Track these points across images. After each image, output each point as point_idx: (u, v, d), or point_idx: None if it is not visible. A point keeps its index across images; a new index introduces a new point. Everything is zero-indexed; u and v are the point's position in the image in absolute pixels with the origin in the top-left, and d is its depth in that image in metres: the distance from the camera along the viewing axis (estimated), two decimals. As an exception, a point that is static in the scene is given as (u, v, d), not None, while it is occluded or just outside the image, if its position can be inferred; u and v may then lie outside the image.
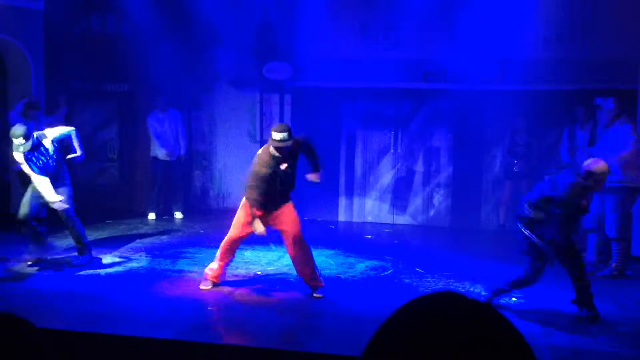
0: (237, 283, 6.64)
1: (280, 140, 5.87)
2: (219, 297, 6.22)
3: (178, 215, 10.32)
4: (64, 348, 4.35)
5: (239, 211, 6.25)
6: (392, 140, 10.52)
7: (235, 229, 6.24)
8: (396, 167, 10.55)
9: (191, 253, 7.80)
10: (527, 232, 5.61)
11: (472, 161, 10.07)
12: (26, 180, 7.29)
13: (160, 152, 10.07)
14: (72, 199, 7.19)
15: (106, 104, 11.07)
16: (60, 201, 6.92)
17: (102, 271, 6.98)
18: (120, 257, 7.62)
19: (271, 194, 5.99)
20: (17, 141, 6.73)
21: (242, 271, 7.06)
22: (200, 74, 10.75)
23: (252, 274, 7.00)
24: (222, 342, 5.15)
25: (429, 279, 6.96)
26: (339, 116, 10.62)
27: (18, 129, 6.80)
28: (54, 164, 7.04)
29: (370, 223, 10.51)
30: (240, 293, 6.33)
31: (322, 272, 7.12)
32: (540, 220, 5.58)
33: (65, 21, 10.39)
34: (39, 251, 7.24)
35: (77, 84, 10.87)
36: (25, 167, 6.88)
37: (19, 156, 6.85)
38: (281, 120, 10.56)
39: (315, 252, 8.00)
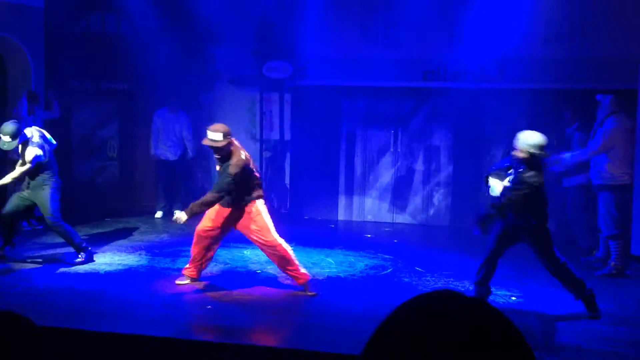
0: (236, 281, 6.64)
1: (210, 139, 6.05)
2: (218, 295, 6.22)
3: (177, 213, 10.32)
4: (64, 346, 4.35)
5: None
6: (391, 139, 10.52)
7: (202, 221, 6.37)
8: (396, 166, 10.55)
9: (190, 252, 7.79)
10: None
11: (472, 160, 10.07)
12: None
13: (160, 151, 10.09)
14: (58, 203, 7.08)
15: (106, 102, 11.07)
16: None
17: (101, 269, 6.98)
18: (119, 255, 7.63)
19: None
20: (5, 138, 6.69)
21: (241, 270, 7.06)
22: (200, 73, 10.75)
23: (251, 272, 7.00)
24: (221, 340, 5.15)
25: (428, 278, 6.96)
26: (338, 115, 10.62)
27: (8, 127, 6.76)
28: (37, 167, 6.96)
29: (370, 222, 10.51)
30: (239, 292, 6.33)
31: (321, 271, 7.13)
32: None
33: (65, 20, 10.39)
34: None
35: (76, 83, 10.87)
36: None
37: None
38: (281, 119, 10.57)
39: (314, 251, 8.03)
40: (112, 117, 11.15)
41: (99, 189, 11.00)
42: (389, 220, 10.53)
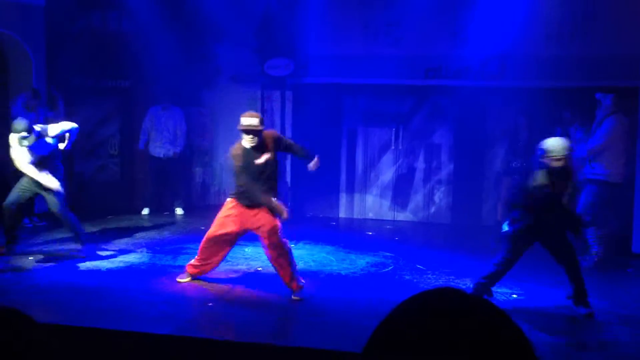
0: (238, 279, 6.65)
1: (248, 125, 5.89)
2: (220, 293, 6.22)
3: (179, 211, 10.36)
4: (65, 343, 4.36)
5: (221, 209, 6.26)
6: (393, 137, 10.52)
7: (213, 227, 6.23)
8: (397, 164, 10.55)
9: (192, 249, 7.78)
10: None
11: (473, 158, 10.07)
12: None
13: (154, 148, 10.15)
14: (64, 193, 7.18)
15: (107, 100, 11.06)
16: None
17: (103, 266, 6.99)
18: (121, 252, 7.63)
19: (246, 191, 5.98)
20: (20, 135, 6.75)
21: (242, 267, 7.07)
22: (202, 70, 10.75)
23: (252, 270, 7.01)
24: (222, 338, 5.16)
25: (429, 276, 6.97)
26: (340, 113, 10.62)
27: (20, 124, 6.83)
28: (49, 157, 7.06)
29: (371, 220, 10.51)
30: (241, 289, 6.34)
31: (323, 268, 7.14)
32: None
33: (67, 17, 10.38)
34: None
35: (77, 80, 10.86)
36: (18, 159, 6.89)
37: (18, 150, 6.87)
38: (282, 116, 10.56)
39: (316, 249, 8.04)
40: (113, 114, 11.15)
41: (100, 186, 11.00)
42: (390, 218, 10.53)
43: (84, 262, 7.10)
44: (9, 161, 8.79)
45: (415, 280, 6.77)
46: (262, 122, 6.02)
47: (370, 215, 10.63)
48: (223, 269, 6.83)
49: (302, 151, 6.38)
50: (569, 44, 9.44)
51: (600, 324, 5.55)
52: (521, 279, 6.68)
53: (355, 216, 10.66)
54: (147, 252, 7.69)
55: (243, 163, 5.95)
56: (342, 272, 7.03)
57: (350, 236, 9.03)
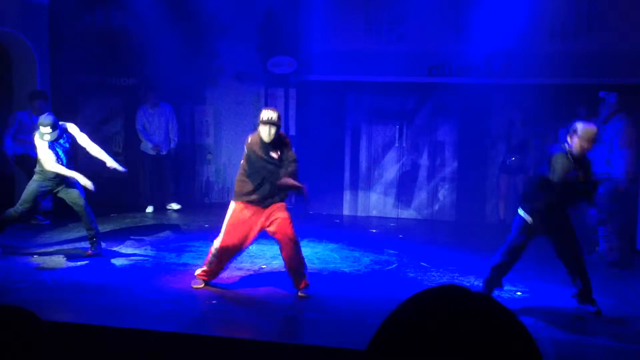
0: (242, 277, 6.65)
1: (270, 118, 5.86)
2: (224, 290, 6.23)
3: (173, 206, 10.38)
4: (69, 341, 4.37)
5: (227, 217, 6.11)
6: (397, 134, 10.51)
7: (225, 236, 6.08)
8: (401, 161, 10.54)
9: (196, 247, 7.81)
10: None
11: (477, 155, 10.06)
12: (30, 170, 7.36)
13: (146, 146, 10.19)
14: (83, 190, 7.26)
15: (111, 97, 11.08)
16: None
17: (107, 264, 7.00)
18: (125, 250, 7.65)
19: (261, 187, 5.96)
20: (45, 130, 6.83)
21: (247, 265, 7.07)
22: (205, 68, 10.76)
23: (257, 268, 7.01)
24: (227, 335, 5.16)
25: (433, 273, 6.96)
26: (343, 110, 10.61)
27: (47, 118, 6.94)
28: (68, 155, 7.15)
29: (375, 217, 10.51)
30: (245, 287, 6.34)
31: (327, 266, 7.14)
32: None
33: (70, 15, 10.40)
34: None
35: (82, 78, 10.89)
36: (46, 159, 6.92)
37: (41, 144, 6.92)
38: (286, 114, 10.56)
39: (320, 246, 8.04)
40: (117, 112, 11.17)
41: (105, 184, 11.01)
42: (394, 215, 10.53)
43: (88, 260, 7.11)
44: (8, 159, 8.82)
45: (419, 278, 6.77)
46: (280, 118, 6.00)
47: (374, 212, 10.63)
48: (226, 267, 6.83)
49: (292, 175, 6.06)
50: (573, 40, 9.42)
51: (604, 321, 5.54)
52: (526, 276, 6.68)
53: (359, 214, 10.66)
54: (151, 250, 7.71)
55: (258, 154, 5.92)
56: (346, 270, 7.03)
57: (354, 234, 9.03)
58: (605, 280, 6.61)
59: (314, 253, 7.68)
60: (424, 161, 10.45)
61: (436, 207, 10.43)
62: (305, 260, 6.19)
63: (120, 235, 8.42)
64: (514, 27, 9.09)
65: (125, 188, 10.93)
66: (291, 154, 6.05)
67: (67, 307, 5.58)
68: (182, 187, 11.15)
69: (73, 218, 7.77)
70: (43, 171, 7.06)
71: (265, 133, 5.91)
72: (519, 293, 6.21)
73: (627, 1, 9.16)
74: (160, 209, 10.36)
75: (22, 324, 1.19)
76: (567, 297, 5.86)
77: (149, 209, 10.26)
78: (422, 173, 10.46)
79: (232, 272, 6.70)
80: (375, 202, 10.66)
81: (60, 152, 7.05)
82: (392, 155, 10.56)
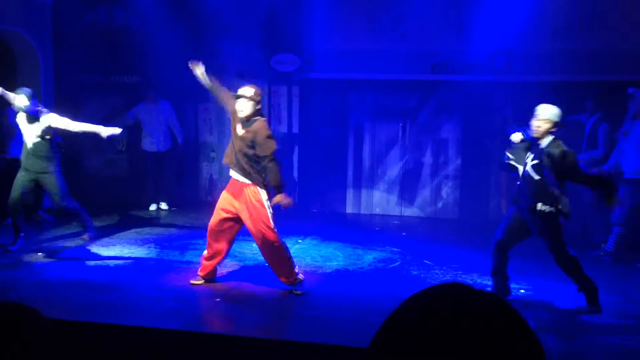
0: (245, 274, 6.65)
1: (240, 95, 5.85)
2: (227, 288, 6.23)
3: (163, 205, 10.40)
4: (72, 338, 4.38)
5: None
6: (400, 132, 10.50)
7: (214, 212, 6.14)
8: (404, 159, 10.53)
9: (199, 244, 7.80)
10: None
11: (481, 153, 10.05)
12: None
13: (147, 144, 10.20)
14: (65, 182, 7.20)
15: (114, 96, 11.09)
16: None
17: (110, 262, 7.01)
18: (128, 248, 7.66)
19: (230, 158, 5.95)
20: (20, 99, 6.89)
21: (250, 262, 7.08)
22: (208, 66, 10.73)
23: (260, 266, 7.01)
24: (229, 333, 5.17)
25: (436, 271, 6.96)
26: (346, 108, 10.61)
27: (23, 89, 7.02)
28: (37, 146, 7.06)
29: (378, 215, 10.51)
30: (248, 284, 6.34)
31: (330, 264, 7.14)
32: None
33: (73, 13, 10.41)
34: (19, 241, 7.28)
35: (85, 76, 10.90)
36: (63, 120, 6.95)
37: (23, 120, 7.00)
38: (289, 112, 10.56)
39: (323, 244, 8.04)
40: (120, 110, 11.18)
41: (108, 182, 11.05)
42: (397, 213, 10.52)
43: (91, 258, 7.13)
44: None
45: (422, 276, 6.77)
46: (257, 94, 5.92)
47: (378, 210, 10.63)
48: (230, 265, 6.85)
49: (268, 173, 5.91)
50: (577, 38, 9.39)
51: (608, 319, 5.52)
52: (529, 274, 6.67)
53: (362, 212, 10.66)
54: (154, 248, 7.72)
55: (232, 125, 5.95)
56: (349, 268, 7.03)
57: (357, 232, 9.02)
58: (610, 279, 6.60)
59: (317, 251, 7.68)
60: (427, 159, 10.44)
61: (439, 204, 10.42)
62: (304, 257, 6.14)
63: (124, 233, 8.44)
64: (517, 25, 9.06)
65: (129, 186, 10.95)
66: (266, 147, 5.79)
67: (70, 305, 5.59)
68: (185, 185, 11.16)
69: (71, 219, 7.76)
70: (23, 160, 7.08)
71: (237, 108, 5.90)
72: (522, 290, 6.20)
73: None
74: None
75: (25, 322, 1.19)
76: (571, 294, 5.85)
77: (153, 207, 10.28)
78: (425, 171, 10.46)
79: (235, 270, 6.71)
80: (379, 200, 10.66)
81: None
82: (395, 152, 10.55)
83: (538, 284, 6.43)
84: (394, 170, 10.57)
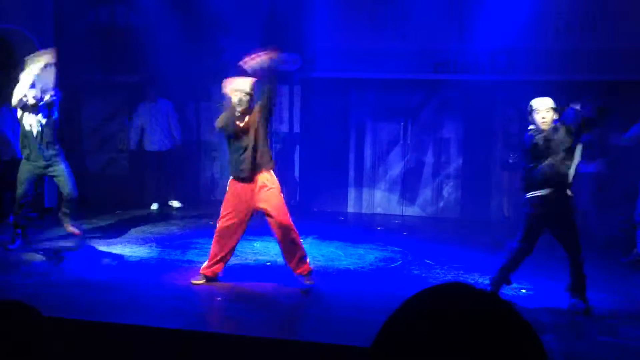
0: (247, 274, 6.66)
1: (240, 89, 5.97)
2: (228, 287, 6.23)
3: (174, 204, 10.40)
4: (73, 337, 4.38)
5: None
6: (401, 132, 10.49)
7: (223, 213, 6.18)
8: (406, 159, 10.52)
9: (201, 244, 7.81)
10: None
11: (482, 152, 10.04)
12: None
13: (147, 144, 10.21)
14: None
15: (116, 95, 11.09)
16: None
17: (112, 261, 7.02)
18: (130, 247, 7.66)
19: (235, 157, 6.00)
20: (35, 66, 7.03)
21: (251, 262, 7.08)
22: (210, 65, 10.75)
23: (261, 265, 7.02)
24: (231, 332, 5.17)
25: (438, 271, 6.95)
26: (348, 107, 10.60)
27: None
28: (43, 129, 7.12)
29: (380, 214, 10.50)
30: (249, 284, 6.35)
31: (331, 263, 7.14)
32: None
33: (75, 12, 10.41)
34: (18, 240, 7.29)
35: (86, 75, 10.90)
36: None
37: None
38: (291, 111, 10.56)
39: (324, 244, 8.04)
40: (122, 109, 11.19)
41: (109, 181, 11.05)
42: (398, 212, 10.52)
43: (93, 257, 7.13)
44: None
45: (423, 275, 6.76)
46: (252, 88, 5.99)
47: (379, 210, 10.62)
48: (232, 264, 6.84)
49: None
50: (579, 37, 9.38)
51: (610, 319, 5.52)
52: (531, 274, 6.65)
53: (363, 211, 10.66)
54: (156, 247, 7.72)
55: (227, 127, 5.99)
56: (351, 267, 7.03)
57: (358, 231, 9.02)
58: (611, 278, 6.59)
59: (318, 250, 7.67)
60: (429, 158, 10.43)
61: (441, 204, 10.41)
62: (309, 257, 6.18)
63: (125, 233, 8.44)
64: (519, 24, 9.05)
65: (130, 185, 10.95)
66: (266, 92, 6.15)
67: (71, 304, 5.59)
68: (187, 184, 11.16)
69: (77, 215, 7.76)
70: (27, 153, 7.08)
71: (235, 104, 6.01)
72: (523, 290, 6.20)
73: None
74: (165, 205, 10.38)
75: (25, 321, 1.19)
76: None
77: (154, 206, 10.28)
78: (427, 170, 10.45)
79: (236, 269, 6.71)
80: (380, 200, 10.65)
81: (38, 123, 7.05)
82: (396, 152, 10.54)
83: (540, 284, 6.42)
84: (395, 169, 10.56)
